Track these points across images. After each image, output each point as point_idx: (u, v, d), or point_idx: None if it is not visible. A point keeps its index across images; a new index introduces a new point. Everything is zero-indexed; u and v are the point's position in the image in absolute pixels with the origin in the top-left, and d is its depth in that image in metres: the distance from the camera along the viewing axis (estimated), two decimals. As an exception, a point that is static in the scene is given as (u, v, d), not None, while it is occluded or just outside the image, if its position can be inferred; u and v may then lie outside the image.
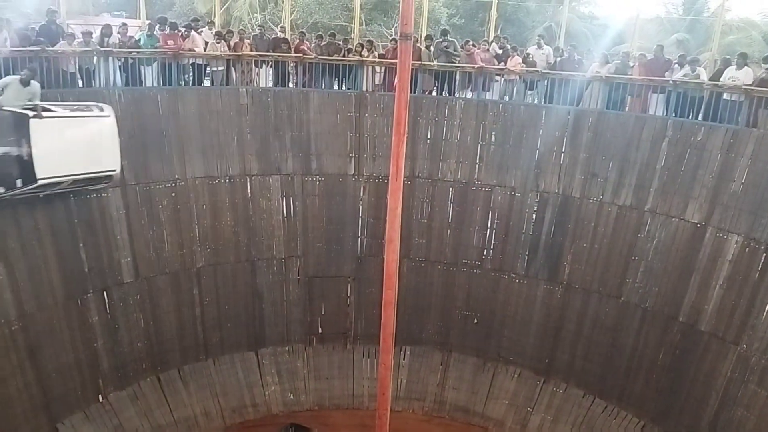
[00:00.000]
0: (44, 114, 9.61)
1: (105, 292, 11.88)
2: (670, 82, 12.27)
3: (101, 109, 10.61)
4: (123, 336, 12.24)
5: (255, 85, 13.56)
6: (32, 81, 9.89)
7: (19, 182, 9.52)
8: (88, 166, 10.30)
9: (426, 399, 14.01)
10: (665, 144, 11.83)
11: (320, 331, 14.32)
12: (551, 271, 13.28)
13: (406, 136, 8.10)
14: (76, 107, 10.51)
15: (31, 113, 9.48)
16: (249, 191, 13.30)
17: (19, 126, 9.43)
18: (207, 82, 13.51)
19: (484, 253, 13.79)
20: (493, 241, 13.73)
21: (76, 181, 10.30)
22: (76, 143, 10.11)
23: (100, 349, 11.90)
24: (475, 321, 14.03)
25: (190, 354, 13.25)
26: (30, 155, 9.40)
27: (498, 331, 13.92)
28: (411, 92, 13.15)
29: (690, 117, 12.04)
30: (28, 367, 10.72)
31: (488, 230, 13.71)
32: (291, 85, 13.91)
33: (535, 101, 13.71)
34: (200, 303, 13.20)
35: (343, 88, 14.09)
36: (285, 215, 13.68)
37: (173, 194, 12.54)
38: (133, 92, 12.02)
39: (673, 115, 12.19)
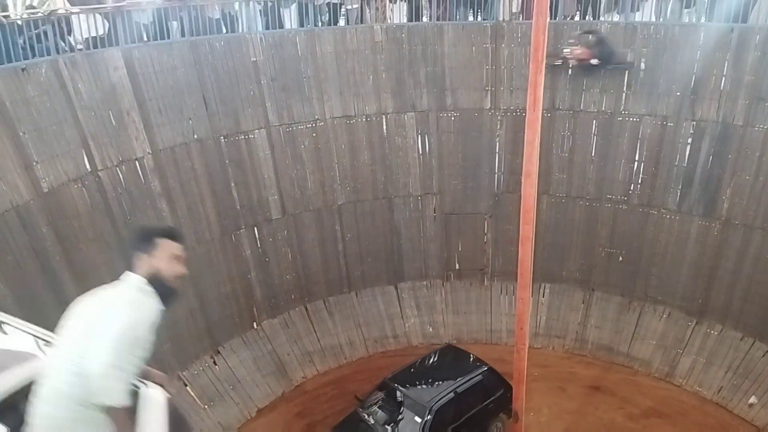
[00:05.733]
0: None
1: (255, 228, 12.69)
2: None
3: None
4: (273, 268, 13.08)
5: (389, 21, 13.47)
6: None
7: None
8: None
9: (567, 336, 13.76)
10: None
11: (457, 267, 14.40)
12: (707, 206, 12.28)
13: (544, 63, 7.72)
14: None
15: None
16: (385, 129, 13.42)
17: None
18: (342, 22, 13.62)
19: (631, 187, 13.00)
20: (641, 175, 12.88)
21: None
22: None
23: (253, 280, 12.82)
24: (620, 259, 13.41)
25: (334, 286, 13.91)
26: None
27: (645, 270, 13.21)
28: (551, 17, 12.50)
29: None
30: (191, 295, 11.78)
31: (636, 163, 12.86)
32: (425, 19, 13.66)
33: (693, 20, 12.44)
34: (342, 238, 13.73)
35: (479, 18, 13.62)
36: (420, 152, 13.69)
37: (314, 134, 12.95)
38: (273, 35, 12.37)
39: None
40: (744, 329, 12.20)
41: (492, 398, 11.10)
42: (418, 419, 10.23)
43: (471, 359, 11.73)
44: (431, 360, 11.77)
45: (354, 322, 13.91)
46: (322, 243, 13.56)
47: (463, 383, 10.92)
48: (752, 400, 11.71)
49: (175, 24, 11.60)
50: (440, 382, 10.99)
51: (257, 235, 12.73)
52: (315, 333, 13.54)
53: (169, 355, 11.38)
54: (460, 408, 10.66)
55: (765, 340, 11.90)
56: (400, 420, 10.40)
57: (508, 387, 11.21)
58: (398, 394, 10.73)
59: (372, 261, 14.10)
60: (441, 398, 10.51)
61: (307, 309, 13.64)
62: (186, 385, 11.62)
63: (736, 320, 12.28)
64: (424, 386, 10.97)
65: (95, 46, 10.34)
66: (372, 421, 10.49)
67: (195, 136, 11.53)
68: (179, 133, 11.32)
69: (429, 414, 10.24)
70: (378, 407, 10.73)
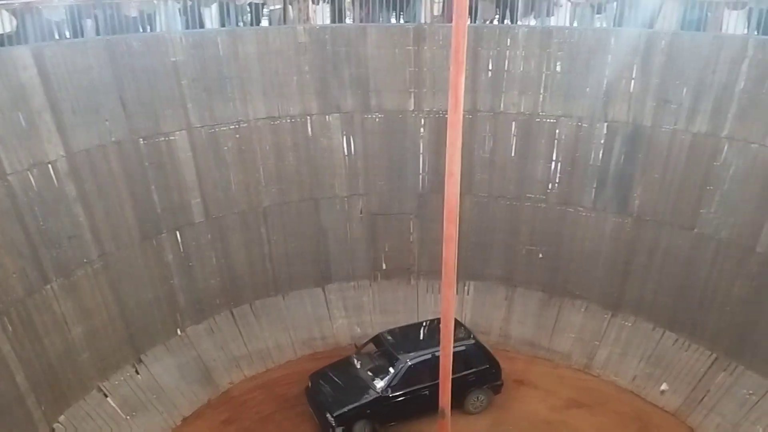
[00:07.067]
0: None
1: (178, 232, 12.38)
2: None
3: None
4: (197, 273, 12.79)
5: (312, 22, 13.46)
6: None
7: None
8: None
9: (491, 332, 14.08)
10: (745, 65, 11.06)
11: (384, 267, 14.53)
12: (620, 204, 12.89)
13: (464, 65, 7.89)
14: None
15: None
16: (310, 131, 13.39)
17: None
18: (265, 22, 13.50)
19: (549, 186, 13.49)
20: (558, 174, 13.40)
21: None
22: None
23: (176, 285, 12.50)
24: (540, 256, 13.88)
25: (261, 290, 13.74)
26: None
27: (564, 266, 13.73)
28: (471, 21, 12.84)
29: (774, 34, 11.18)
30: (111, 303, 11.38)
31: (553, 163, 13.36)
32: (348, 21, 13.72)
33: (604, 25, 13.03)
34: (268, 241, 13.58)
35: (401, 21, 13.79)
36: (346, 153, 13.74)
37: (237, 136, 12.77)
38: (193, 35, 12.13)
39: (755, 33, 11.34)
40: (656, 320, 12.85)
41: (473, 370, 11.87)
42: (392, 370, 11.48)
43: (462, 331, 12.36)
44: (427, 325, 12.70)
45: (281, 325, 13.78)
46: (247, 246, 13.37)
47: None
48: (663, 387, 12.34)
49: (89, 22, 11.23)
50: (423, 344, 11.96)
51: (180, 239, 12.42)
52: (242, 337, 13.33)
53: (87, 365, 10.96)
54: (435, 370, 11.00)
55: (674, 330, 12.58)
56: (380, 368, 11.71)
57: (495, 364, 12.27)
58: (385, 346, 12.03)
59: (299, 263, 14.01)
60: (417, 357, 11.49)
61: (233, 313, 13.42)
62: (106, 396, 11.21)
63: (648, 312, 12.92)
64: (408, 344, 12.03)
65: (2, 44, 9.87)
66: (359, 366, 11.97)
67: (112, 138, 11.15)
68: (95, 135, 10.91)
69: (402, 367, 11.40)
70: (367, 354, 12.24)
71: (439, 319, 12.67)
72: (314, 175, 13.66)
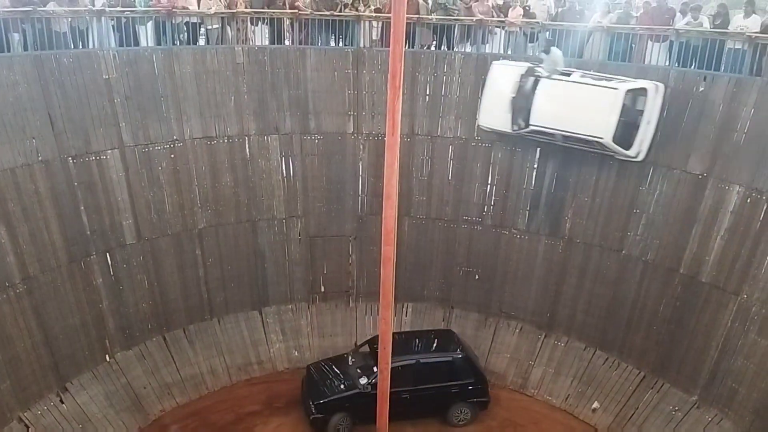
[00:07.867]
0: (554, 76, 12.00)
1: (108, 254, 11.96)
2: (672, 30, 12.05)
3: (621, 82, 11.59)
4: (128, 297, 12.36)
5: (251, 43, 13.41)
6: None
7: (522, 123, 12.33)
8: (578, 127, 11.69)
9: (429, 354, 14.17)
10: (667, 95, 11.65)
11: (323, 289, 14.43)
12: (552, 226, 13.27)
13: (402, 89, 8.02)
14: (595, 77, 11.95)
15: (544, 73, 12.11)
16: (248, 151, 13.26)
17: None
18: (202, 41, 13.35)
19: (485, 209, 13.78)
20: (493, 197, 13.72)
21: (566, 137, 12.00)
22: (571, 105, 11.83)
23: (105, 310, 12.02)
24: (477, 277, 14.10)
25: (195, 314, 13.39)
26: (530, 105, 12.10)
27: (499, 287, 13.99)
28: (409, 47, 13.08)
29: (692, 66, 11.84)
30: (34, 329, 10.85)
31: (489, 186, 13.68)
32: (287, 42, 13.72)
33: (536, 53, 13.50)
34: (203, 264, 13.28)
35: (340, 44, 13.91)
36: (284, 175, 13.66)
37: (172, 155, 12.52)
38: (127, 53, 11.88)
39: (676, 64, 11.99)
40: (587, 340, 13.21)
41: (457, 382, 12.20)
42: (375, 369, 11.43)
43: (455, 345, 12.81)
44: (424, 334, 13.27)
45: (216, 350, 13.44)
46: (181, 269, 13.03)
47: (429, 358, 12.32)
48: (595, 405, 12.67)
49: (16, 36, 10.82)
50: (412, 350, 12.41)
51: (110, 262, 11.99)
52: (174, 363, 12.91)
53: (7, 395, 10.40)
54: (417, 376, 11.83)
55: (604, 349, 12.96)
56: (368, 367, 12.07)
57: (482, 380, 12.53)
58: (377, 347, 12.05)
59: (235, 286, 13.75)
60: (401, 360, 11.44)
61: (165, 339, 13.00)
62: (28, 428, 10.62)
63: (580, 331, 13.28)
64: (397, 348, 11.83)
65: None
66: (351, 363, 12.52)
67: (39, 157, 10.73)
68: (21, 154, 10.49)
69: None
70: (361, 354, 12.69)
71: (437, 330, 13.49)
72: (252, 197, 13.50)
